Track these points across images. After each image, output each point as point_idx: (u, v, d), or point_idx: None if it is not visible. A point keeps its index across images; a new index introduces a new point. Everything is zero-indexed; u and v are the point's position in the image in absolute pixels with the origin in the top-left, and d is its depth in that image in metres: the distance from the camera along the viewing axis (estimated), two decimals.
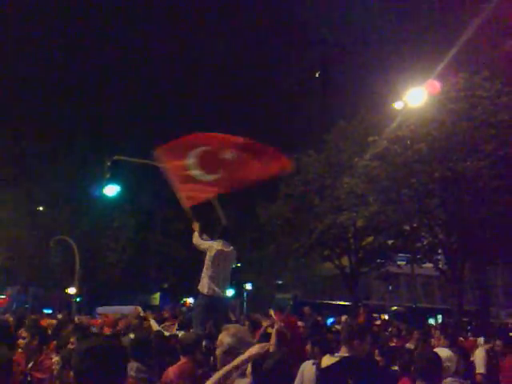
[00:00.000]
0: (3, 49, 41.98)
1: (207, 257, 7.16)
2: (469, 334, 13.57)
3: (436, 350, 5.11)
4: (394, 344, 9.84)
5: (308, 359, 5.86)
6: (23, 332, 7.08)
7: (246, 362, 3.29)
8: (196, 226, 7.55)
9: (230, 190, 7.84)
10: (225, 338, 3.68)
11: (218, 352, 3.71)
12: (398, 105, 19.64)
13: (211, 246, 7.18)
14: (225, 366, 3.57)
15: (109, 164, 17.75)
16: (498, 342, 8.75)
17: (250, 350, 3.31)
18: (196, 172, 7.29)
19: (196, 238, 7.43)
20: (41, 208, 40.21)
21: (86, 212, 37.12)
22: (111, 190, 19.05)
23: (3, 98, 39.84)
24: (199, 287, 7.16)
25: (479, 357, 8.19)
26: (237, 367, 3.33)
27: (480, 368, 7.98)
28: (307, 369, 5.75)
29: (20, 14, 46.36)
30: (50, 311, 31.73)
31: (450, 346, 6.59)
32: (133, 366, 4.98)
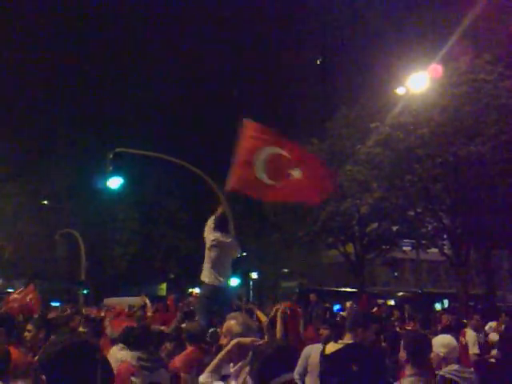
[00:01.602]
0: (6, 40, 41.94)
1: (206, 247, 7.18)
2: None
3: (439, 336, 5.12)
4: (397, 329, 9.88)
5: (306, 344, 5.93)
6: (30, 325, 7.13)
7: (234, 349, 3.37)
8: (219, 210, 7.55)
9: (273, 200, 7.80)
10: (234, 327, 3.68)
11: (226, 341, 3.69)
12: (400, 90, 19.54)
13: (209, 237, 7.20)
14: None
15: (111, 156, 17.68)
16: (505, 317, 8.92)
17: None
18: (261, 167, 7.13)
19: (210, 222, 7.39)
20: (45, 202, 40.32)
21: (90, 205, 37.20)
22: (114, 183, 18.97)
23: (5, 92, 39.87)
24: (201, 277, 7.19)
25: (471, 338, 8.34)
26: (229, 354, 3.41)
27: (473, 349, 8.13)
28: (314, 354, 5.83)
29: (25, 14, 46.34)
30: (57, 304, 31.96)
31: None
32: (134, 355, 5.09)
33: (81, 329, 7.36)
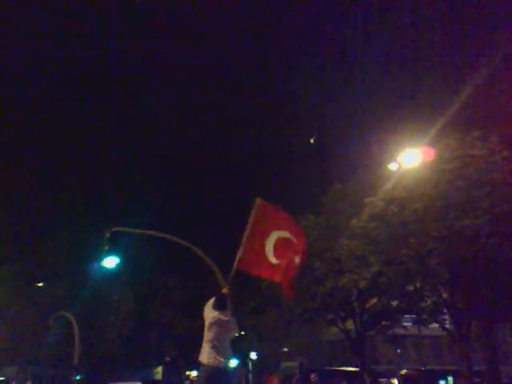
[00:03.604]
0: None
1: (205, 326, 7.07)
2: None
3: None
4: None
5: None
6: None
7: None
8: (224, 290, 7.49)
9: (275, 280, 7.85)
10: None
11: None
12: (392, 166, 19.89)
13: (208, 315, 7.11)
14: None
15: (108, 235, 17.70)
16: None
17: None
18: (269, 247, 7.26)
19: (210, 303, 7.34)
20: (40, 284, 39.84)
21: (85, 285, 36.74)
22: (111, 262, 18.90)
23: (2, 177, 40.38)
24: (200, 358, 7.01)
25: None
26: None
27: None
28: None
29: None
30: None
31: None
32: None
33: None
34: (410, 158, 18.49)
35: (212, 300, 7.32)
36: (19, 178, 42.93)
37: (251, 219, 7.34)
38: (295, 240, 7.34)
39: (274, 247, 7.25)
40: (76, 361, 29.07)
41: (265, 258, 7.27)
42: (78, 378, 30.87)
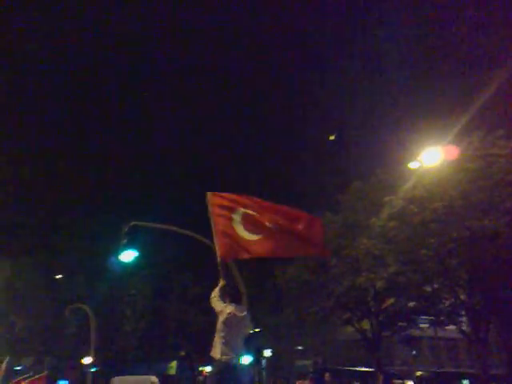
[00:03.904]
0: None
1: (219, 321, 6.99)
2: None
3: None
4: None
5: None
6: None
7: None
8: (222, 281, 7.43)
9: (267, 255, 7.84)
10: None
11: None
12: (413, 165, 19.64)
13: (223, 310, 7.02)
14: None
15: (126, 229, 17.73)
16: None
17: None
18: (240, 227, 7.40)
19: (215, 293, 7.28)
20: (58, 276, 40.25)
21: (102, 279, 37.03)
22: (128, 256, 18.94)
23: (20, 170, 40.82)
24: (212, 353, 6.93)
25: None
26: None
27: None
28: None
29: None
30: (66, 383, 31.16)
31: None
32: None
33: None
34: (432, 157, 18.21)
35: (216, 290, 7.25)
36: (38, 171, 43.37)
37: (211, 214, 7.57)
38: (258, 214, 7.44)
39: (244, 225, 7.38)
40: (92, 353, 29.31)
41: (242, 238, 7.39)
42: (93, 369, 31.12)
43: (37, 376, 10.44)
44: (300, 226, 7.39)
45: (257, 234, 7.41)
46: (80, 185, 43.70)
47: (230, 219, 7.48)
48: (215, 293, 7.22)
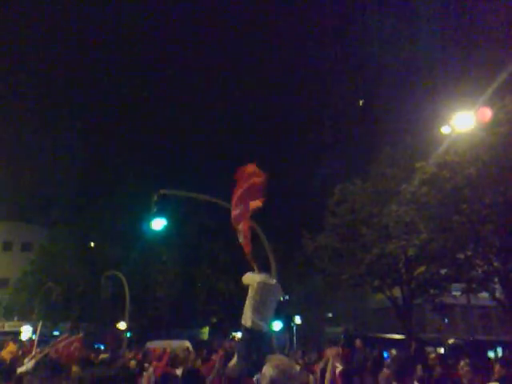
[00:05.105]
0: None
1: (250, 289, 7.00)
2: None
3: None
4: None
5: None
6: (74, 367, 7.21)
7: None
8: (254, 265, 7.43)
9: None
10: (267, 370, 3.49)
11: None
12: (445, 129, 19.14)
13: (253, 279, 7.03)
14: None
15: (156, 198, 17.89)
16: None
17: None
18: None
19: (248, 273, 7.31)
20: (92, 244, 41.19)
21: (134, 247, 37.68)
22: (158, 224, 19.17)
23: (56, 143, 41.54)
24: (242, 320, 6.96)
25: None
26: None
27: None
28: None
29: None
30: (101, 347, 32.09)
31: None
32: None
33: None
34: (464, 122, 17.74)
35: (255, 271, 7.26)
36: (70, 143, 44.01)
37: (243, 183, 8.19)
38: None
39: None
40: (127, 319, 30.08)
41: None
42: (128, 335, 31.94)
43: (73, 337, 10.79)
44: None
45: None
46: (113, 156, 44.26)
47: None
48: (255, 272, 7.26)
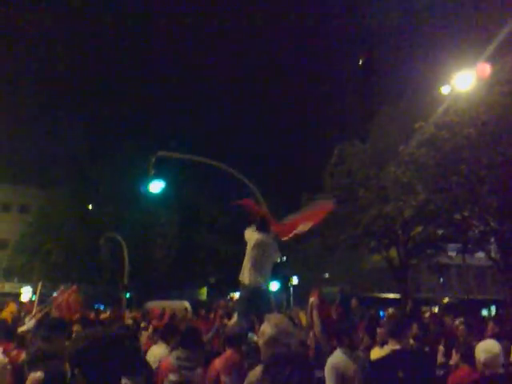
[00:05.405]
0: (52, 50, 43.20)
1: (248, 247, 7.04)
2: None
3: (482, 342, 4.95)
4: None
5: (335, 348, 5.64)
6: (76, 326, 7.27)
7: None
8: (261, 212, 7.56)
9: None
10: (266, 329, 3.52)
11: (260, 343, 3.56)
12: (445, 89, 18.93)
13: (252, 236, 7.06)
14: (267, 356, 3.44)
15: (153, 160, 17.75)
16: None
17: None
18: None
19: (251, 229, 7.34)
20: (90, 206, 41.20)
21: (133, 209, 37.71)
22: (156, 187, 19.10)
23: (51, 102, 41.09)
24: (240, 278, 7.03)
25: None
26: None
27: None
28: (342, 363, 5.38)
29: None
30: (101, 307, 32.49)
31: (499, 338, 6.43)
32: (174, 355, 5.19)
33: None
34: (464, 81, 17.52)
35: (253, 227, 7.28)
36: (69, 105, 43.56)
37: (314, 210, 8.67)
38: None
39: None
40: (126, 280, 30.34)
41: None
42: (127, 296, 32.28)
43: (69, 289, 10.97)
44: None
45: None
46: (112, 117, 43.86)
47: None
48: (252, 227, 7.28)
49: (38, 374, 2.98)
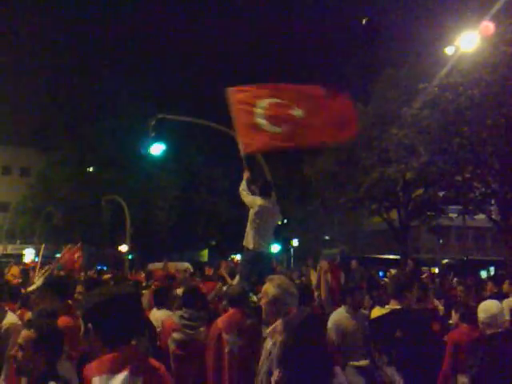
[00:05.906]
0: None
1: (251, 212, 7.10)
2: None
3: (483, 302, 5.04)
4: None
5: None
6: (79, 287, 7.33)
7: None
8: (246, 173, 7.44)
9: (288, 147, 7.72)
10: (269, 289, 3.59)
11: (263, 303, 3.64)
12: (449, 50, 18.60)
13: (254, 202, 7.07)
14: (270, 316, 3.53)
15: (153, 123, 17.63)
16: None
17: None
18: (262, 121, 7.07)
19: (243, 186, 7.31)
20: (90, 169, 41.19)
21: (133, 171, 37.70)
22: (157, 149, 19.08)
23: (53, 66, 40.59)
24: (244, 243, 7.13)
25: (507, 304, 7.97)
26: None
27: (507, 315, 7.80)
28: (344, 320, 5.91)
29: None
30: (104, 268, 32.86)
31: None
32: (178, 314, 5.44)
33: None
34: (468, 42, 17.18)
35: (243, 183, 7.28)
36: (66, 64, 43.00)
37: (232, 110, 7.27)
38: (284, 101, 7.08)
39: (267, 118, 7.03)
40: (128, 242, 30.62)
41: (264, 131, 7.08)
42: (130, 257, 32.62)
43: (74, 247, 11.21)
44: (329, 109, 7.02)
45: (281, 125, 7.03)
46: (111, 79, 43.22)
47: (252, 113, 7.12)
48: (243, 186, 7.27)
49: (30, 332, 3.02)
